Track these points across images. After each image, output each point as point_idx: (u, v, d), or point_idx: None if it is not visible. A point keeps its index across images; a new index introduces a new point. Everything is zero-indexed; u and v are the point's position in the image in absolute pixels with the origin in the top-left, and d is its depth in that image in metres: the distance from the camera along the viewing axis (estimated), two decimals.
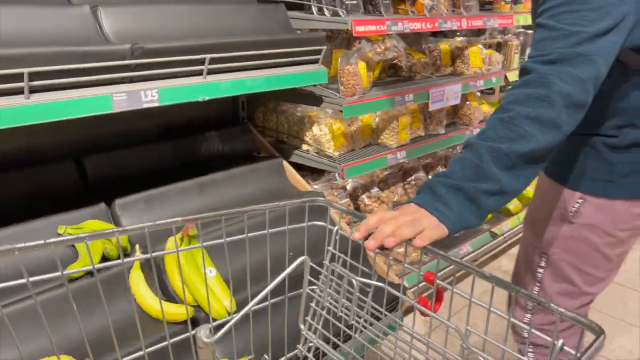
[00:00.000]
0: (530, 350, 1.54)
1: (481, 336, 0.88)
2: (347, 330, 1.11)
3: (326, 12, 2.07)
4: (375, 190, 2.49)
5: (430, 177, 2.82)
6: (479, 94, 3.09)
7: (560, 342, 0.73)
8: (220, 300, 1.45)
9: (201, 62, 1.64)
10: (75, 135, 1.92)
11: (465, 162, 1.00)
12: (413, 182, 2.68)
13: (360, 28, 1.97)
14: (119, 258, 1.62)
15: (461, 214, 0.96)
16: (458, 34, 3.26)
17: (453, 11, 2.55)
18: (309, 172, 2.48)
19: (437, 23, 2.33)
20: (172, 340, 1.05)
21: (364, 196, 2.45)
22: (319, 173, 2.43)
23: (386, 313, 1.05)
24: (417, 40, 2.80)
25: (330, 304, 1.10)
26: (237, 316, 0.97)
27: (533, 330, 0.82)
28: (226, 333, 0.94)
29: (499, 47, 3.12)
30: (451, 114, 2.91)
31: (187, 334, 1.11)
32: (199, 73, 1.66)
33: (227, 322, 0.97)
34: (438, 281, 0.92)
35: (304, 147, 2.34)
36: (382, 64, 2.63)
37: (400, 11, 2.40)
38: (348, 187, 2.48)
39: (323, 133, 2.24)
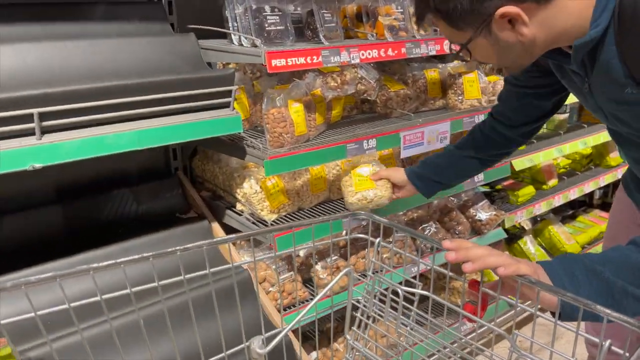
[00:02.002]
0: None
1: (528, 338, 0.93)
2: (393, 337, 1.17)
3: (244, 42, 1.62)
4: (333, 258, 1.98)
5: (426, 234, 2.27)
6: None
7: (607, 342, 0.78)
8: None
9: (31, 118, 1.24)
10: None
11: (629, 259, 0.93)
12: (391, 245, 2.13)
13: (278, 62, 1.50)
14: None
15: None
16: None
17: (435, 31, 2.02)
18: None
19: (404, 49, 1.82)
20: (229, 352, 1.13)
21: (318, 266, 1.95)
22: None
23: (431, 320, 1.08)
24: (402, 67, 2.29)
25: (376, 313, 1.16)
26: (288, 327, 1.03)
27: (580, 332, 0.85)
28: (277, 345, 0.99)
29: None
30: None
31: (242, 345, 1.12)
32: (32, 132, 1.25)
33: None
34: (483, 288, 0.97)
35: (239, 206, 1.89)
36: (349, 100, 2.14)
37: (359, 35, 1.91)
38: (301, 254, 2.00)
39: (254, 191, 1.78)
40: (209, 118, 1.50)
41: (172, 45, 1.63)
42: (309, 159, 1.68)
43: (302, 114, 1.70)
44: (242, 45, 1.63)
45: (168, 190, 1.97)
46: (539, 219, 3.14)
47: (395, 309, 1.11)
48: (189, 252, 1.85)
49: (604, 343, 0.79)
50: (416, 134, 1.96)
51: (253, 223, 1.82)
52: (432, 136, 2.02)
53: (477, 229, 2.44)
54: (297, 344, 1.68)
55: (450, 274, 1.06)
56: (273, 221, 1.81)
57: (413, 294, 1.08)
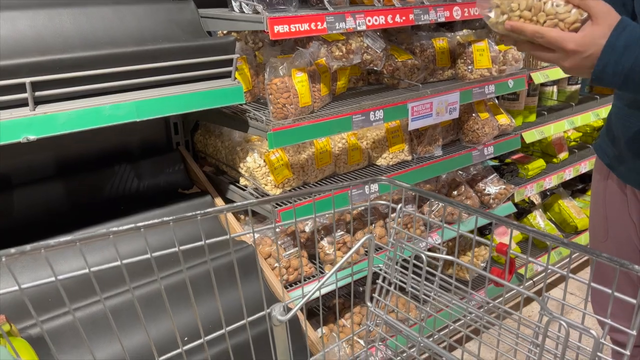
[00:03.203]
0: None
1: (559, 301, 0.90)
2: (416, 304, 1.14)
3: (245, 9, 1.55)
4: (340, 233, 1.94)
5: (434, 209, 2.22)
6: (495, 101, 2.43)
7: None
8: None
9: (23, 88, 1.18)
10: None
11: None
12: (399, 220, 2.09)
13: (280, 28, 1.44)
14: None
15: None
16: (477, 24, 2.60)
17: None
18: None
19: (412, 15, 1.74)
20: (249, 319, 1.07)
21: (324, 241, 1.91)
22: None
23: (457, 284, 1.06)
24: (410, 36, 2.21)
25: (398, 279, 1.14)
26: (309, 295, 1.01)
27: (616, 294, 0.81)
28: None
29: None
30: (455, 128, 2.29)
31: (263, 312, 1.08)
32: (24, 103, 1.20)
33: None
34: (511, 251, 0.97)
35: (242, 181, 1.84)
36: (355, 71, 2.07)
37: (365, 1, 1.83)
38: (307, 229, 1.95)
39: (257, 165, 1.73)
40: (209, 88, 1.45)
41: (169, 12, 1.56)
42: (314, 131, 1.62)
43: (307, 84, 1.64)
44: (243, 12, 1.56)
45: (170, 166, 1.92)
46: (548, 193, 3.08)
47: (418, 275, 1.09)
48: (195, 227, 1.84)
49: None
50: (424, 105, 1.90)
51: (257, 198, 1.77)
52: (440, 107, 1.96)
53: (486, 203, 2.39)
54: (302, 318, 1.65)
55: (477, 238, 1.04)
56: (278, 194, 1.76)
57: (437, 260, 1.06)
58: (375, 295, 1.16)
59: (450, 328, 1.12)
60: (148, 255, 0.96)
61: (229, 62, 1.48)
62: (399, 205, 1.12)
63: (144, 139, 1.94)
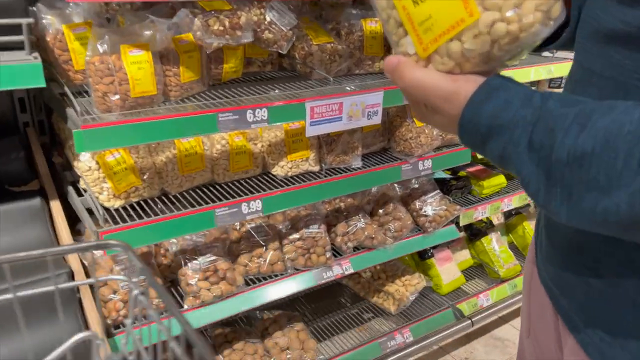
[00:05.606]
0: None
1: None
2: None
3: None
4: (210, 258, 1.53)
5: (352, 229, 1.81)
6: None
7: None
8: None
9: None
10: None
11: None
12: (300, 242, 1.68)
13: None
14: None
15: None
16: None
17: None
18: None
19: None
20: None
21: (188, 268, 1.50)
22: None
23: None
24: (341, 13, 1.75)
25: None
26: None
27: None
28: None
29: None
30: (385, 134, 1.85)
31: None
32: None
33: None
34: None
35: (82, 183, 1.44)
36: (259, 52, 1.63)
37: None
38: (172, 249, 1.55)
39: (87, 167, 1.32)
40: None
41: None
42: (150, 132, 1.20)
43: (148, 67, 1.21)
44: None
45: (5, 153, 1.51)
46: (513, 212, 2.64)
47: None
48: (12, 239, 1.45)
49: None
50: (329, 105, 1.46)
51: (94, 209, 1.37)
52: (355, 109, 1.52)
53: (421, 226, 1.96)
54: None
55: None
56: (118, 209, 1.36)
57: None
58: None
59: None
60: None
61: (16, 29, 1.06)
62: (134, 280, 0.71)
63: None
